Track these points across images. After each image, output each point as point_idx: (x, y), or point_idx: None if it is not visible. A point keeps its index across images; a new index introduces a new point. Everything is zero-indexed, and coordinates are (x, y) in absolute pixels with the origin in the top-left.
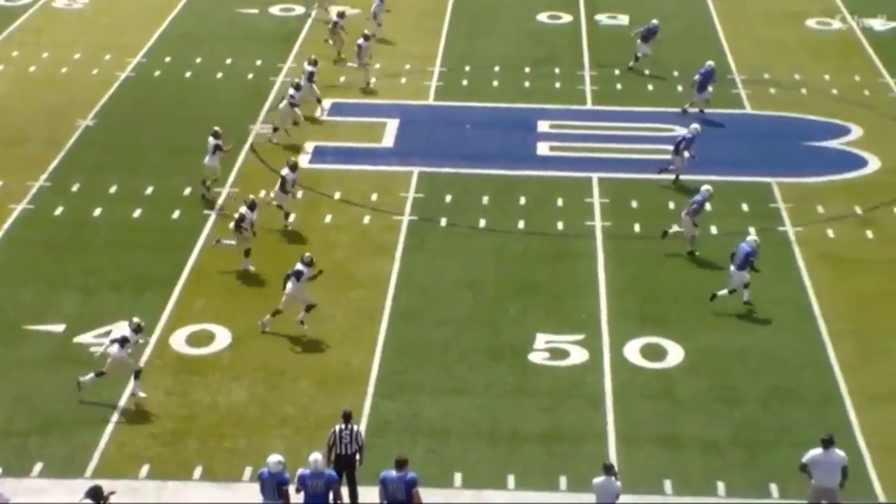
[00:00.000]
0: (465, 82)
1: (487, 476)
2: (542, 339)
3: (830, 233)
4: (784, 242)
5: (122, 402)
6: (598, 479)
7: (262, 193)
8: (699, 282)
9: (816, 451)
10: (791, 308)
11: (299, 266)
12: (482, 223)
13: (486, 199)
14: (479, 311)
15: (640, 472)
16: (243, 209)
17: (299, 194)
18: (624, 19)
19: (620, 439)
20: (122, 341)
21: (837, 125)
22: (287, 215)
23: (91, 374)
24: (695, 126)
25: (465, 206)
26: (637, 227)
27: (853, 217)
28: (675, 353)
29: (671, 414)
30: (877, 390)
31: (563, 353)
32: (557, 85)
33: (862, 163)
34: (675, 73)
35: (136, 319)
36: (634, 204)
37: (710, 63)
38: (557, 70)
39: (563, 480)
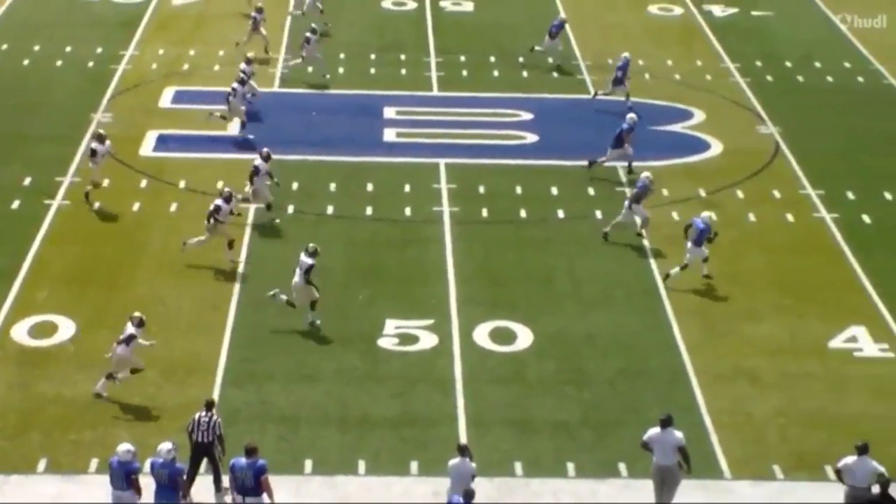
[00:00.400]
0: (310, 69)
1: (338, 462)
2: (391, 325)
3: (675, 215)
4: (630, 226)
5: None
6: (454, 461)
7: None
8: (547, 266)
9: (655, 431)
10: (638, 290)
11: (303, 257)
12: (329, 210)
13: (333, 186)
14: (328, 298)
15: (490, 455)
16: (218, 201)
17: (143, 183)
18: (468, 6)
19: (471, 423)
20: (129, 339)
21: (680, 109)
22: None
23: (102, 380)
24: (632, 116)
25: (312, 193)
26: (485, 212)
27: (697, 200)
28: (524, 337)
29: (521, 397)
30: (721, 369)
31: (413, 339)
32: (403, 71)
33: (705, 146)
34: (521, 60)
35: (137, 314)
36: (482, 189)
37: (626, 55)
38: (403, 56)
39: (414, 465)
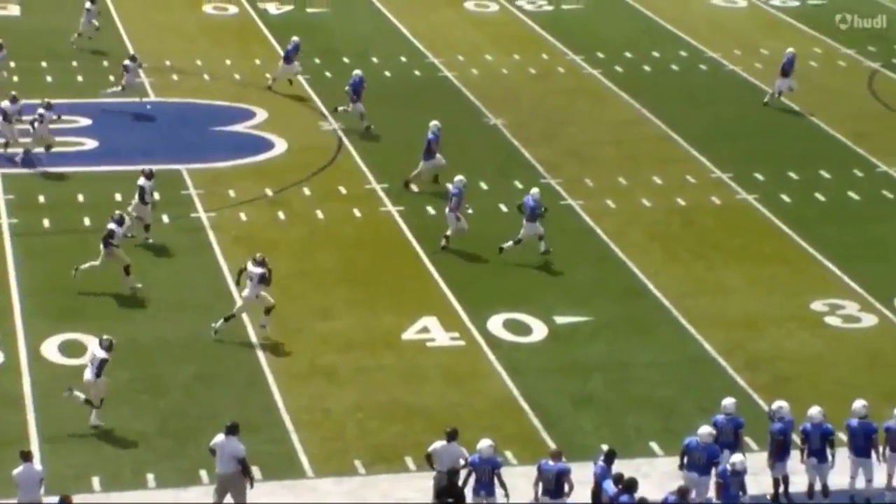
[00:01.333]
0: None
1: None
2: None
3: (243, 216)
4: (199, 228)
5: None
6: (18, 470)
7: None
8: (115, 273)
9: (220, 438)
10: (210, 293)
11: (251, 267)
12: None
13: None
14: None
15: (66, 471)
16: (112, 225)
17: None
18: (15, 10)
19: (45, 440)
20: (101, 364)
21: (243, 109)
22: (147, 227)
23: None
24: (435, 123)
25: None
26: (47, 223)
27: (264, 199)
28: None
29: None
30: (298, 368)
31: None
32: None
33: (269, 145)
34: (74, 64)
35: (106, 337)
36: (42, 199)
37: (358, 72)
38: None
39: None
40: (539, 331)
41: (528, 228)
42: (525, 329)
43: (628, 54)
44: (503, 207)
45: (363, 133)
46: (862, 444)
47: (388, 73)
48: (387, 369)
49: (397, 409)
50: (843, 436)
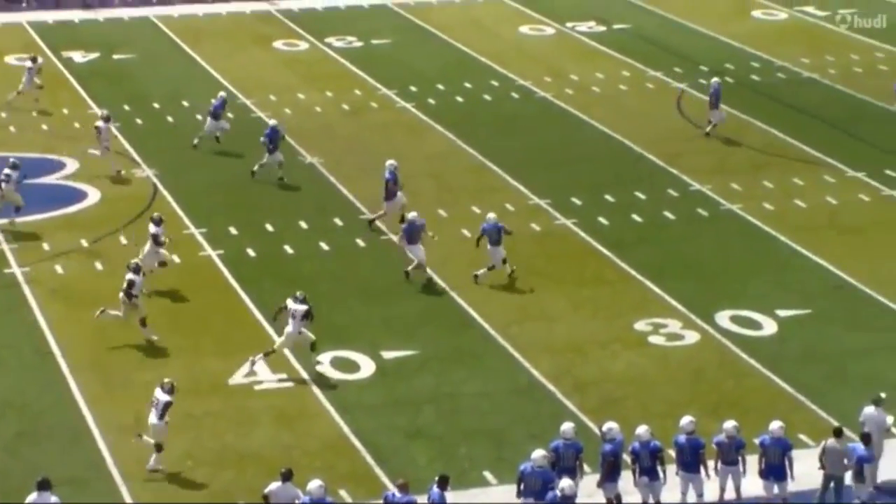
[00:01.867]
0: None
1: None
2: None
3: (59, 269)
4: (12, 284)
5: None
6: None
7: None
8: None
9: (32, 497)
10: (28, 349)
11: (293, 304)
12: None
13: None
14: None
15: None
16: (129, 275)
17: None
18: None
19: None
20: (164, 407)
21: (52, 160)
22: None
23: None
24: (391, 162)
25: None
26: None
27: (80, 250)
28: None
29: None
30: (124, 419)
31: None
32: None
33: (81, 196)
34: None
35: (167, 380)
36: None
37: (273, 122)
38: None
39: None
40: (366, 367)
41: (494, 253)
42: (352, 366)
43: (440, 86)
44: (324, 246)
45: (279, 182)
46: (690, 460)
47: (199, 117)
48: (215, 415)
49: (228, 455)
50: (672, 452)
